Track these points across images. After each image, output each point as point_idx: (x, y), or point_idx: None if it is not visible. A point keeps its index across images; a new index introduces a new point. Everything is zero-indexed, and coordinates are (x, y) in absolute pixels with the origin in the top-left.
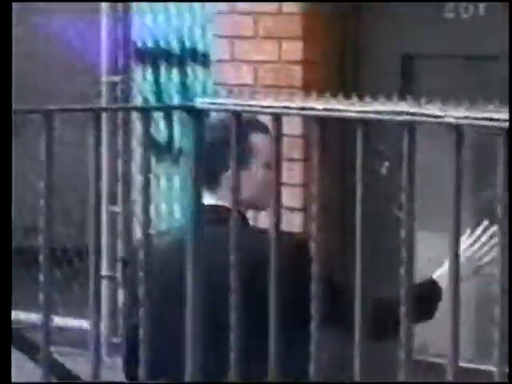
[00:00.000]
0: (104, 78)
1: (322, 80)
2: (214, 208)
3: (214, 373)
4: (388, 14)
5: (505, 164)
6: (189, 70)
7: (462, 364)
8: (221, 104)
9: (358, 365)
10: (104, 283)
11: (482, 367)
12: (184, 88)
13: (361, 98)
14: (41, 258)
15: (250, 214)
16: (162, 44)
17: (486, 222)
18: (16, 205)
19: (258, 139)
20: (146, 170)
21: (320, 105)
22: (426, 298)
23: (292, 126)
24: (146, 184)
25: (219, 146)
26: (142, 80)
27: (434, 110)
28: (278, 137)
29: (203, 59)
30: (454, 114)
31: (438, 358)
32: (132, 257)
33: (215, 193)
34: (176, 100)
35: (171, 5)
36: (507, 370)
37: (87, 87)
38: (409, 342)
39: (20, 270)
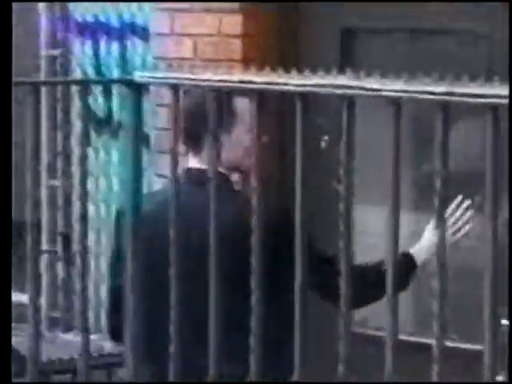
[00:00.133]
0: (43, 52)
1: (261, 54)
2: (197, 171)
3: (199, 333)
4: None
5: (492, 143)
6: (128, 43)
7: (402, 337)
8: (160, 78)
9: (298, 336)
10: (44, 258)
11: (422, 340)
12: (123, 62)
13: (300, 71)
14: None
15: (234, 177)
16: (101, 18)
17: (459, 197)
18: None
19: (241, 103)
20: (85, 143)
21: (259, 78)
22: (399, 270)
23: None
24: (84, 157)
25: (201, 110)
26: (81, 54)
27: (372, 83)
28: (187, 114)
29: (142, 33)
30: (393, 87)
31: (377, 331)
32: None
33: (199, 156)
34: (115, 74)
35: None
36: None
37: (26, 61)
38: (348, 315)
39: None
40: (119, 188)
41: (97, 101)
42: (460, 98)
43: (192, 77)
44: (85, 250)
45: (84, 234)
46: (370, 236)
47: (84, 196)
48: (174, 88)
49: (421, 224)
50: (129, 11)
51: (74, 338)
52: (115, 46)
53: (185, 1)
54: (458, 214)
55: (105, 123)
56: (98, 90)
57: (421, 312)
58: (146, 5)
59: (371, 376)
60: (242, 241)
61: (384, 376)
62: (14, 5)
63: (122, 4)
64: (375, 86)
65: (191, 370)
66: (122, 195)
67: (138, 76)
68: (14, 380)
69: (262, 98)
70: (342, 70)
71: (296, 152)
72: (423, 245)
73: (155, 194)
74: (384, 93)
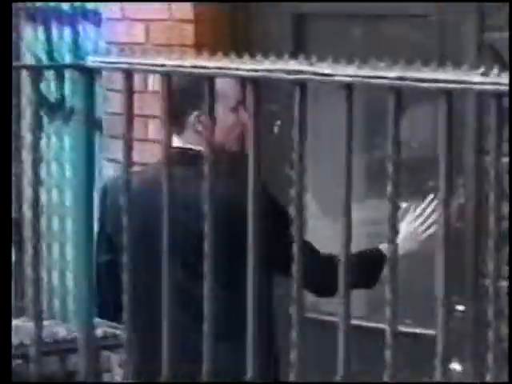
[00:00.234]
0: None
1: (213, 39)
2: (180, 151)
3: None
4: None
5: (445, 127)
6: (80, 28)
7: (354, 322)
8: (112, 63)
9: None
10: None
11: (374, 325)
12: (75, 47)
13: (252, 57)
14: None
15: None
16: (53, 3)
17: (431, 196)
18: None
19: (223, 83)
20: (36, 128)
21: (211, 63)
22: (370, 265)
23: None
24: (36, 143)
25: (183, 91)
26: (32, 39)
27: (324, 68)
28: (170, 95)
29: (94, 18)
30: (345, 72)
31: (330, 316)
32: (105, 194)
33: (181, 136)
34: (67, 59)
35: None
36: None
37: None
38: (300, 300)
39: None
40: (72, 173)
41: (49, 86)
42: (412, 83)
43: (144, 62)
44: (37, 237)
45: (36, 221)
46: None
47: (36, 182)
48: (126, 73)
49: (374, 209)
50: None
51: (24, 323)
52: (67, 32)
53: None
54: (428, 210)
55: (57, 109)
56: (50, 75)
57: (374, 297)
58: None
59: (323, 361)
60: (226, 221)
61: (337, 361)
62: None
63: None
64: (327, 70)
65: (184, 351)
66: (75, 180)
67: (90, 61)
68: None
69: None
70: (294, 56)
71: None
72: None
73: (141, 173)
74: (336, 78)
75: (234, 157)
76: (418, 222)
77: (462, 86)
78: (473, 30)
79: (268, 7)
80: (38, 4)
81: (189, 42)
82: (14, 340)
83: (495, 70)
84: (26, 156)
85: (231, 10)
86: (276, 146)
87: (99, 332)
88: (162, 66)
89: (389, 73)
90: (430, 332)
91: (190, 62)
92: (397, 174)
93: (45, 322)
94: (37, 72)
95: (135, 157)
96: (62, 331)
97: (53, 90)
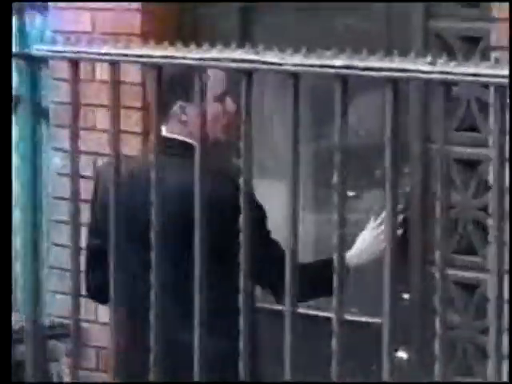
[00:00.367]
0: None
1: (160, 28)
2: (164, 140)
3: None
4: None
5: (392, 116)
6: (26, 17)
7: (301, 311)
8: (58, 51)
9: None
10: None
11: (321, 314)
12: (22, 35)
13: (199, 46)
14: None
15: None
16: None
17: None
18: None
19: (208, 73)
20: None
21: (158, 52)
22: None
23: (131, 74)
24: None
25: (166, 81)
26: None
27: (271, 57)
28: (116, 84)
29: (41, 7)
30: (292, 61)
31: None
32: (97, 180)
33: (164, 125)
34: (14, 48)
35: None
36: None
37: None
38: (247, 288)
39: None
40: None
41: None
42: (359, 72)
43: (90, 50)
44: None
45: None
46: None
47: None
48: (72, 62)
49: (321, 198)
50: None
51: None
52: (13, 20)
53: None
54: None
55: None
56: None
57: None
58: None
59: (272, 349)
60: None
61: (283, 349)
62: None
63: None
64: (274, 59)
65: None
66: (22, 170)
67: (36, 50)
68: None
69: (161, 72)
70: (241, 45)
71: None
72: (356, 249)
73: (131, 161)
74: (283, 66)
75: (219, 146)
76: (380, 229)
77: (408, 74)
78: (419, 18)
79: None
80: None
81: (136, 31)
82: None
83: (442, 59)
84: None
85: (178, 0)
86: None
87: (46, 321)
88: (108, 54)
89: (335, 61)
90: (377, 320)
91: (136, 50)
92: (344, 163)
93: None
94: None
95: (82, 146)
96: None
97: None
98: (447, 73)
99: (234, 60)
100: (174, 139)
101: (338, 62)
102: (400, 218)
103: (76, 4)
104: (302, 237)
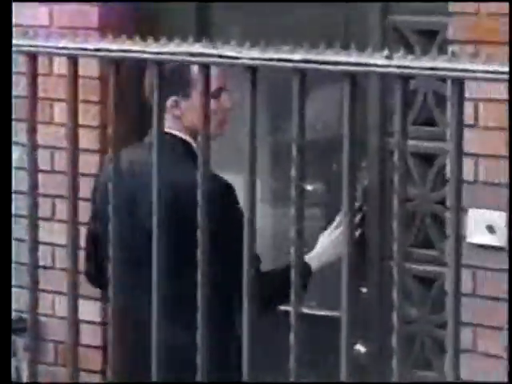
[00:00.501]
0: None
1: (118, 22)
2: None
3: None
4: None
5: (349, 110)
6: None
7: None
8: (16, 45)
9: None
10: None
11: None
12: None
13: (157, 40)
14: None
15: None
16: None
17: (356, 204)
18: None
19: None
20: None
21: (115, 46)
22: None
23: (89, 68)
24: None
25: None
26: None
27: (229, 51)
28: (75, 78)
29: None
30: (250, 55)
31: None
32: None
33: None
34: None
35: None
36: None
37: None
38: (204, 278)
39: None
40: None
41: None
42: (316, 65)
43: (47, 44)
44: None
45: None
46: None
47: None
48: (30, 56)
49: (279, 192)
50: None
51: None
52: None
53: None
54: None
55: None
56: None
57: None
58: None
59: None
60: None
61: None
62: None
63: None
64: (232, 53)
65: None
66: None
67: None
68: None
69: (119, 67)
70: (199, 40)
71: (152, 122)
72: (317, 252)
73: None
74: (241, 60)
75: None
76: (338, 231)
77: (366, 68)
78: (377, 12)
79: None
80: None
81: (93, 25)
82: None
83: (400, 53)
84: None
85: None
86: None
87: None
88: (66, 48)
89: (293, 55)
90: (335, 314)
91: (94, 44)
92: (301, 157)
93: None
94: None
95: (39, 140)
96: None
97: None
98: (404, 67)
99: (191, 54)
100: (167, 133)
101: (295, 56)
102: (358, 217)
103: None
104: (261, 230)
